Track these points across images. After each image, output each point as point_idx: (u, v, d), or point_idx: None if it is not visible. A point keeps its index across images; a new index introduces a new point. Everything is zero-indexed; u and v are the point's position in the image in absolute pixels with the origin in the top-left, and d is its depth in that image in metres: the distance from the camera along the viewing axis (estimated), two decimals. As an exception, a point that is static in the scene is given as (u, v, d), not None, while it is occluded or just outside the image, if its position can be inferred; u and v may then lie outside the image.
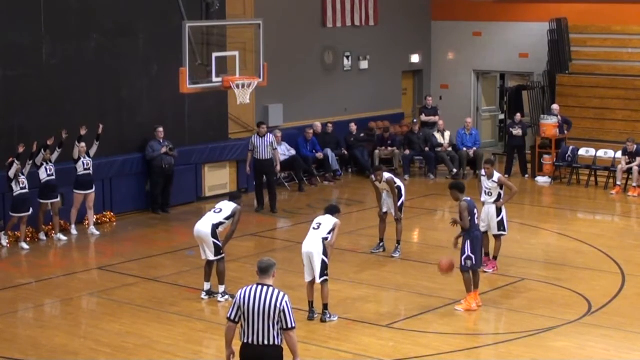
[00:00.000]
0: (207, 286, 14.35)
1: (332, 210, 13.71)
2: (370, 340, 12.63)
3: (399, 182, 16.70)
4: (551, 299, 14.38)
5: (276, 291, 8.79)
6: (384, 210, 16.79)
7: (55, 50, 18.76)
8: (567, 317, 13.42)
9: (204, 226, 14.04)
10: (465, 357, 12.22)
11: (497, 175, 15.63)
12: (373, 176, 16.75)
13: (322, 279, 13.24)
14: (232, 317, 8.87)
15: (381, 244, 16.99)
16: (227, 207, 14.21)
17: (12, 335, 13.01)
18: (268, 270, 8.87)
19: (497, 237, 15.71)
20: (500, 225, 15.65)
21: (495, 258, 15.74)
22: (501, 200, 15.64)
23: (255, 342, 8.76)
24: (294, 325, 8.78)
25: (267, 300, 8.73)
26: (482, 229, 15.40)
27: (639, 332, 12.96)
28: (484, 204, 15.77)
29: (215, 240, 13.98)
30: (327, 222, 13.45)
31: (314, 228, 13.46)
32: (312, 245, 13.26)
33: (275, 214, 20.26)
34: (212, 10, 19.50)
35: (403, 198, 16.66)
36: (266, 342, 8.74)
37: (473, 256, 13.71)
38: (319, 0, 25.14)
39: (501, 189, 15.65)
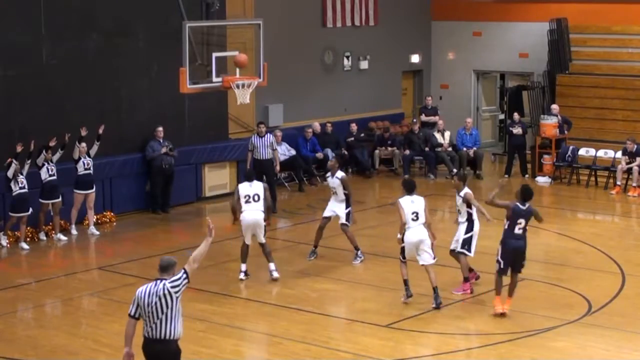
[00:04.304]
0: (244, 267, 15.34)
1: (412, 189, 14.02)
2: (370, 340, 12.63)
3: (349, 188, 16.31)
4: (551, 299, 14.38)
5: (160, 282, 9.13)
6: (328, 215, 16.47)
7: (55, 50, 18.76)
8: (567, 317, 13.42)
9: (258, 214, 15.00)
10: (465, 357, 12.22)
11: (464, 191, 14.34)
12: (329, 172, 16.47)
13: (434, 260, 13.84)
14: (132, 314, 9.22)
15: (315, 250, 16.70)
16: (259, 190, 15.16)
17: (12, 335, 13.01)
18: (167, 269, 9.22)
19: (458, 255, 14.51)
20: (465, 243, 14.34)
21: (466, 279, 14.55)
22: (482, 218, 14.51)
23: (153, 337, 9.06)
24: (185, 273, 9.12)
25: (157, 290, 9.07)
26: (452, 246, 14.67)
27: (639, 332, 12.96)
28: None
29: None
30: (420, 206, 13.86)
31: (412, 219, 13.79)
32: (421, 234, 13.80)
33: (275, 214, 20.23)
34: (212, 10, 19.49)
35: (351, 207, 16.33)
36: (162, 337, 9.04)
37: (502, 261, 13.36)
38: (319, 0, 25.14)
39: (469, 207, 14.36)
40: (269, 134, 20.51)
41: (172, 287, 9.05)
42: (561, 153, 23.48)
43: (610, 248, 17.18)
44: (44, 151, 17.59)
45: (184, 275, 9.10)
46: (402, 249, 13.96)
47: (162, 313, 9.03)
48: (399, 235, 14.00)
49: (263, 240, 15.18)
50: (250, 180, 15.29)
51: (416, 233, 13.79)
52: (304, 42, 24.73)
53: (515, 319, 13.48)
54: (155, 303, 9.03)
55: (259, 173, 20.39)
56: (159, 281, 9.13)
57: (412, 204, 13.86)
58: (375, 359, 12.00)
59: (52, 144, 17.65)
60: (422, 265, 13.85)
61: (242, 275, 15.40)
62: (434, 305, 13.76)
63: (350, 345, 12.44)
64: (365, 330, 13.02)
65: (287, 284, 15.06)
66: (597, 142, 23.70)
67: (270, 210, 15.90)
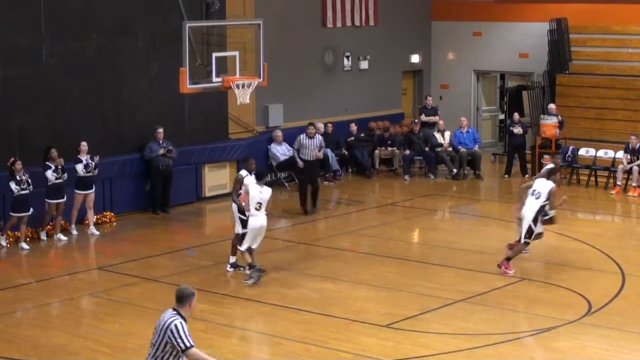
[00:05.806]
0: (232, 259, 15.78)
1: (261, 177, 15.07)
2: (370, 340, 12.62)
3: None
4: (551, 299, 14.37)
5: (174, 315, 8.29)
6: None
7: (55, 50, 18.75)
8: (567, 317, 13.41)
9: (264, 220, 15.20)
10: (465, 357, 12.21)
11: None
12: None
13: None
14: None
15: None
16: (266, 197, 15.25)
17: (12, 335, 13.00)
18: (182, 300, 8.35)
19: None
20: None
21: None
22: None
23: None
24: (187, 344, 8.17)
25: (162, 319, 8.33)
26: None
27: (639, 332, 12.96)
28: None
29: (241, 215, 15.28)
30: (265, 197, 14.86)
31: (256, 209, 14.78)
32: (264, 220, 14.92)
33: (273, 214, 20.17)
34: (212, 10, 19.49)
35: None
36: None
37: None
38: (319, 0, 25.14)
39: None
40: (317, 135, 20.64)
41: (170, 331, 8.18)
42: (561, 153, 23.45)
43: (610, 248, 17.17)
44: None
45: (184, 346, 8.16)
46: (243, 236, 14.95)
47: (155, 340, 8.29)
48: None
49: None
50: (260, 180, 15.11)
51: (260, 220, 14.89)
52: (304, 42, 24.72)
53: (515, 319, 13.50)
54: (157, 329, 8.32)
55: (304, 171, 20.35)
56: (172, 311, 8.31)
57: (260, 194, 14.86)
58: (375, 359, 12.00)
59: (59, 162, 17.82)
60: (254, 248, 15.00)
61: (228, 267, 15.86)
62: (252, 280, 14.87)
63: (350, 345, 12.43)
64: (365, 330, 13.02)
65: (287, 284, 15.06)
66: (597, 142, 23.69)
67: None
